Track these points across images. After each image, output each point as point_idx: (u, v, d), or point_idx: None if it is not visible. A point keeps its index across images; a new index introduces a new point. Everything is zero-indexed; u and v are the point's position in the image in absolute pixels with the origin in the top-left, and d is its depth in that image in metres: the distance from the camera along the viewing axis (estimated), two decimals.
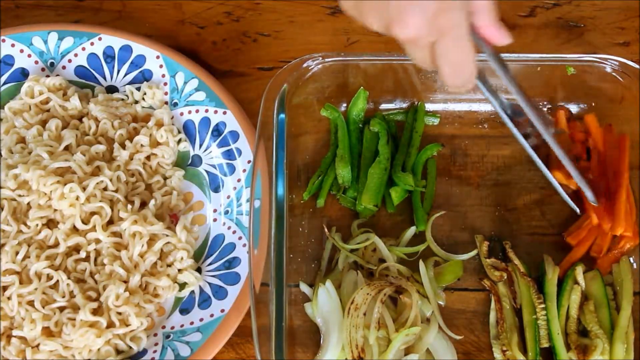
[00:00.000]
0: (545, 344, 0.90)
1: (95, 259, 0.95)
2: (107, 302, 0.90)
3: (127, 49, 1.07)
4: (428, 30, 0.68)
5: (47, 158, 0.97)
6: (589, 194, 0.92)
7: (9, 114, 1.03)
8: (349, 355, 0.87)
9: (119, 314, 0.91)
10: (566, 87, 1.04)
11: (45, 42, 1.07)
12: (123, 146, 1.01)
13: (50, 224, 0.96)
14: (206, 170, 1.03)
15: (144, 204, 0.99)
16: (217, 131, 1.03)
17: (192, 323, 0.92)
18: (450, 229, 1.00)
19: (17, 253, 0.92)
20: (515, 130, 0.88)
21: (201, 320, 0.92)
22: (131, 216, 0.95)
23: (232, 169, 1.01)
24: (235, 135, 1.02)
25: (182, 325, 0.92)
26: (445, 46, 0.70)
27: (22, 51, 1.07)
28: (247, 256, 0.93)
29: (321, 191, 1.01)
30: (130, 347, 0.91)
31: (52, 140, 1.00)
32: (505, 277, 0.94)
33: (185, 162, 1.04)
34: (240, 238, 0.97)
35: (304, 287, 0.95)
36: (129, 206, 0.97)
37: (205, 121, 1.04)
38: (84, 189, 0.94)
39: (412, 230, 0.98)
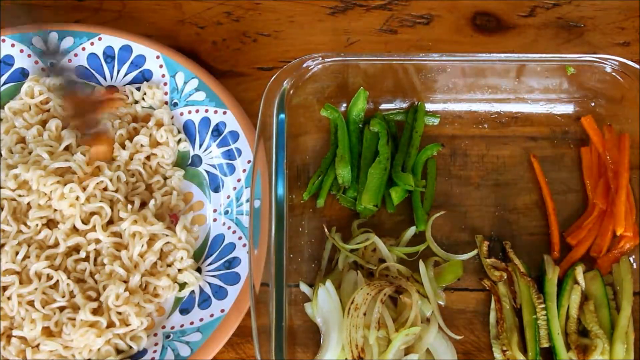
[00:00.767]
0: (545, 344, 0.90)
1: (95, 259, 0.95)
2: (107, 301, 0.90)
3: (127, 49, 1.07)
4: None
5: (47, 158, 0.97)
6: None
7: (9, 114, 1.03)
8: (349, 355, 0.87)
9: (119, 313, 0.91)
10: (566, 87, 1.04)
11: (46, 42, 1.07)
12: (123, 146, 1.01)
13: (50, 224, 0.96)
14: (206, 170, 1.03)
15: (144, 204, 0.99)
16: (217, 131, 1.03)
17: (192, 323, 0.92)
18: (450, 229, 1.00)
19: (17, 253, 0.92)
20: None
21: (201, 320, 0.92)
22: (131, 216, 0.95)
23: (232, 169, 1.01)
24: (235, 135, 1.02)
25: (182, 325, 0.92)
26: None
27: (22, 51, 1.07)
28: (247, 256, 0.93)
29: (321, 191, 1.01)
30: (131, 347, 0.91)
31: (52, 140, 1.00)
32: (505, 277, 0.95)
33: (185, 162, 1.04)
34: (240, 238, 0.97)
35: (304, 287, 0.95)
36: (129, 206, 0.97)
37: (205, 121, 1.04)
38: (84, 189, 0.95)
39: (412, 230, 0.98)
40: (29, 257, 0.92)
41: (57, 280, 0.92)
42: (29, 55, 1.07)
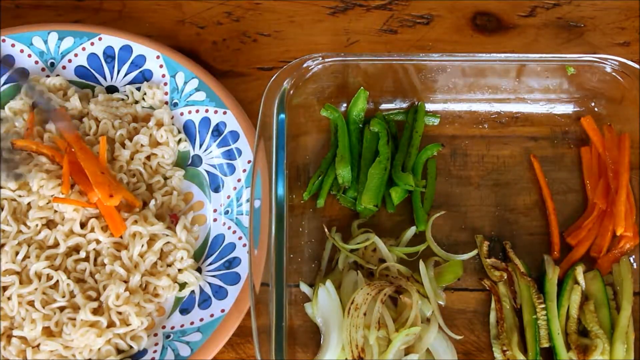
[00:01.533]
0: (545, 344, 0.90)
1: (95, 259, 0.95)
2: (107, 301, 0.90)
3: (127, 49, 1.07)
4: None
5: (48, 161, 0.97)
6: None
7: (9, 114, 1.03)
8: (349, 355, 0.87)
9: (119, 313, 0.91)
10: (566, 87, 1.04)
11: (45, 42, 1.07)
12: (123, 146, 1.01)
13: (50, 224, 0.96)
14: (206, 170, 1.03)
15: (144, 204, 0.99)
16: (217, 131, 1.03)
17: (192, 323, 0.92)
18: (450, 229, 1.00)
19: (17, 253, 0.92)
20: None
21: (201, 320, 0.92)
22: (131, 216, 0.95)
23: (232, 169, 1.01)
24: (235, 135, 1.02)
25: (182, 325, 0.92)
26: None
27: (22, 51, 1.07)
28: (247, 256, 0.93)
29: (321, 191, 1.01)
30: (131, 347, 0.91)
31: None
32: (505, 277, 0.95)
33: (186, 162, 1.04)
34: (240, 238, 0.97)
35: (304, 287, 0.95)
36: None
37: (206, 121, 1.04)
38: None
39: (412, 230, 0.98)
40: (29, 257, 0.92)
41: (57, 280, 0.92)
42: (29, 55, 1.07)
